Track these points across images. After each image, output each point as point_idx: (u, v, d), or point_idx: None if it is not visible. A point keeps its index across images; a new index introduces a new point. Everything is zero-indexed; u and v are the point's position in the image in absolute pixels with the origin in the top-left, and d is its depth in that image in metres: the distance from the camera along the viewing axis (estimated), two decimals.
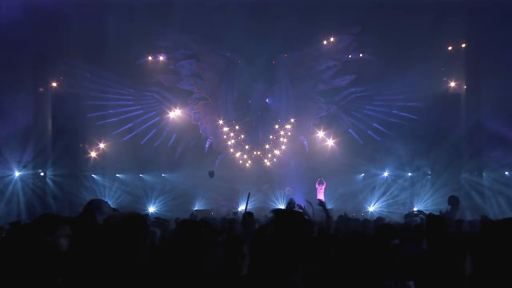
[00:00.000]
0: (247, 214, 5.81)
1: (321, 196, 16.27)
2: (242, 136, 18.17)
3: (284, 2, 15.10)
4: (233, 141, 18.17)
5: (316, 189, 16.74)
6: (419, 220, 7.88)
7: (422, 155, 16.61)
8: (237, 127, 18.12)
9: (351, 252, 3.83)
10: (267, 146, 18.14)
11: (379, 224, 8.48)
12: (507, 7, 13.87)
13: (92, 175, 16.58)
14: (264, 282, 1.81)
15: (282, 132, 18.16)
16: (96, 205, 3.51)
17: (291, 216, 1.93)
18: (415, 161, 16.86)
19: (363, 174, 17.50)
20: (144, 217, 2.29)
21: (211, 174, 16.17)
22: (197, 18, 15.79)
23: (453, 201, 7.71)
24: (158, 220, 9.49)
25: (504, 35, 14.38)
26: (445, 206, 12.02)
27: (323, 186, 16.74)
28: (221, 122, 17.99)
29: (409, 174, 16.93)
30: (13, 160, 15.14)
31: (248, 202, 8.83)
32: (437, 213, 7.21)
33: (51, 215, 2.77)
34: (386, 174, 17.15)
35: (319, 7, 15.24)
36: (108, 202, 3.88)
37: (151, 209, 15.51)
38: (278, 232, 1.82)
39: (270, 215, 2.15)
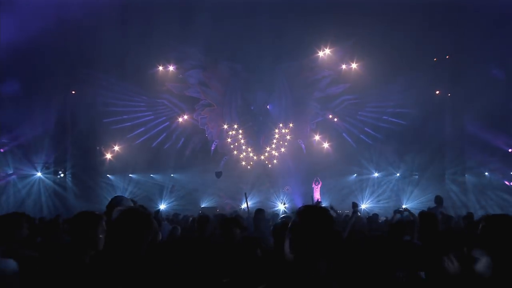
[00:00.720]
0: (258, 210, 5.83)
1: (317, 194, 16.56)
2: (245, 139, 18.56)
3: (284, 18, 15.49)
4: (236, 144, 18.53)
5: (312, 188, 16.96)
6: (404, 216, 8.02)
7: (410, 157, 17.00)
8: (240, 131, 18.49)
9: (365, 245, 4.00)
10: (268, 149, 18.50)
11: (375, 219, 8.76)
12: (487, 23, 14.51)
13: (108, 175, 17.17)
14: (293, 274, 1.78)
15: (281, 136, 18.52)
16: (117, 201, 3.58)
17: (318, 210, 1.91)
18: (403, 162, 17.28)
19: (355, 175, 17.89)
20: (144, 213, 2.35)
21: (218, 174, 16.76)
22: (204, 32, 15.95)
23: (437, 200, 8.52)
24: (176, 216, 10.47)
25: (484, 48, 14.87)
26: (430, 204, 13.06)
27: (319, 185, 16.94)
28: (225, 126, 18.36)
29: (397, 174, 17.46)
30: (36, 162, 15.82)
31: (248, 200, 9.77)
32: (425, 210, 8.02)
33: (90, 212, 2.71)
34: (376, 174, 17.63)
35: (315, 22, 15.57)
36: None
37: (162, 206, 15.92)
38: (305, 225, 1.80)
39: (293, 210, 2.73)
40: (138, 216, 2.26)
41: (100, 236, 2.58)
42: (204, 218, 5.00)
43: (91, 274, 2.20)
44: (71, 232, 2.67)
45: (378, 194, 17.17)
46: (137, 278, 2.10)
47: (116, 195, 3.90)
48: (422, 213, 4.45)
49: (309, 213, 1.92)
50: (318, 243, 1.82)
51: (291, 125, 18.47)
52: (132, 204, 3.44)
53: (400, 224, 4.35)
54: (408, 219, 6.86)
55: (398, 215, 8.34)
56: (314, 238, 1.82)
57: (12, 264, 2.84)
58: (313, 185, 17.05)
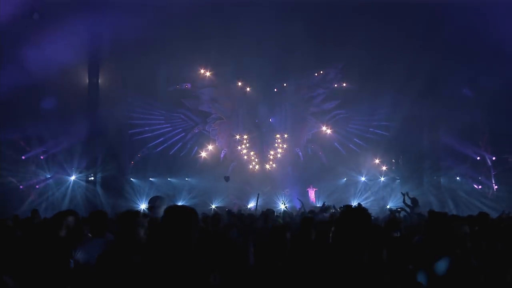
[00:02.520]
0: (268, 210, 5.88)
1: (312, 196, 17.33)
2: (250, 148, 19.19)
3: (285, 45, 16.20)
4: (243, 152, 19.17)
5: (307, 192, 17.61)
6: (402, 215, 8.49)
7: (392, 163, 17.95)
8: (246, 140, 19.17)
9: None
10: (270, 156, 19.09)
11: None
12: (462, 48, 15.07)
13: (131, 178, 17.77)
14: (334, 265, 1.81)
15: (281, 145, 19.17)
16: (156, 200, 3.76)
17: (358, 210, 1.99)
18: (387, 168, 18.13)
19: (345, 179, 18.38)
20: (192, 210, 2.28)
21: (227, 178, 17.01)
22: (214, 57, 17.07)
23: (413, 201, 9.34)
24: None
25: (457, 70, 15.73)
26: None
27: (314, 190, 17.63)
28: (234, 137, 19.13)
29: (382, 179, 18.15)
30: (70, 167, 16.45)
31: (258, 201, 10.49)
32: (405, 210, 8.61)
33: (131, 212, 2.69)
34: (363, 178, 18.16)
35: (312, 48, 16.14)
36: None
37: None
38: (344, 223, 1.86)
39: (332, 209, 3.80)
40: (186, 212, 2.24)
41: (143, 232, 2.68)
42: (217, 215, 5.45)
43: (145, 269, 2.08)
44: (118, 229, 2.77)
45: (366, 197, 17.43)
46: (194, 269, 2.05)
47: (156, 195, 4.15)
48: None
49: (351, 211, 2.09)
50: (360, 236, 1.90)
51: (286, 135, 19.14)
52: (168, 203, 3.44)
53: (393, 221, 4.52)
54: (399, 218, 7.44)
55: (402, 213, 8.99)
56: (357, 232, 1.91)
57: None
58: (308, 190, 17.59)
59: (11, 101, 14.00)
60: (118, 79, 16.78)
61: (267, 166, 19.15)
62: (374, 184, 18.02)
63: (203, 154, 18.91)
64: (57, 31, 14.41)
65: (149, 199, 4.14)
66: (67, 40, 14.63)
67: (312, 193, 17.65)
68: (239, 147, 19.20)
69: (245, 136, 19.19)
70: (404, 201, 9.50)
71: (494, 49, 14.35)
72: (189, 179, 18.27)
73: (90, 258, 3.06)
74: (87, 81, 17.24)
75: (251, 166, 19.21)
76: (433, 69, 16.88)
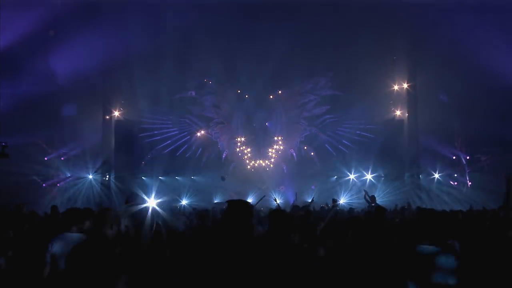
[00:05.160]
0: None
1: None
2: (249, 149, 19.68)
3: (281, 54, 16.31)
4: (242, 153, 19.70)
5: (302, 187, 17.74)
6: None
7: (378, 162, 18.12)
8: (245, 143, 19.71)
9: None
10: (267, 156, 19.61)
11: (352, 212, 9.73)
12: (442, 56, 15.60)
13: (143, 177, 18.58)
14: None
15: (277, 146, 19.70)
16: (132, 197, 4.11)
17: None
18: (373, 167, 18.31)
19: (335, 177, 18.92)
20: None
21: (223, 178, 17.66)
22: (216, 67, 17.76)
23: (372, 198, 9.89)
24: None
25: (436, 78, 16.29)
26: (394, 199, 15.01)
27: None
28: (234, 139, 19.64)
29: (369, 176, 18.46)
30: (87, 167, 17.21)
31: (252, 197, 11.04)
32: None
33: (103, 209, 2.86)
34: (352, 176, 18.57)
35: (305, 57, 17.02)
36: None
37: (183, 202, 15.66)
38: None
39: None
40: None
41: (113, 227, 2.88)
42: (204, 212, 5.74)
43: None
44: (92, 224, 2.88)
45: (354, 192, 17.08)
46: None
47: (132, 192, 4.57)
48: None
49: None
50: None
51: (281, 138, 19.65)
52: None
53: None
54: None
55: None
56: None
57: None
58: (312, 187, 18.11)
59: (36, 107, 14.84)
60: (132, 88, 17.39)
61: (264, 166, 19.51)
62: (361, 181, 18.28)
63: (206, 155, 19.51)
64: (75, 43, 15.09)
65: (127, 196, 4.61)
66: (84, 52, 15.21)
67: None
68: (237, 149, 19.55)
69: (243, 139, 19.57)
70: (364, 197, 10.43)
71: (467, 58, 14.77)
72: (194, 178, 18.91)
73: (65, 252, 2.86)
74: (102, 89, 18.26)
75: (249, 167, 19.55)
76: (413, 76, 17.84)
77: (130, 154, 18.11)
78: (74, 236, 3.49)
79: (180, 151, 19.31)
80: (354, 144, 19.03)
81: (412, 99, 18.00)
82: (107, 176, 17.95)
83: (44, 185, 16.46)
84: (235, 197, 17.52)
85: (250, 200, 15.89)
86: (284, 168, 19.44)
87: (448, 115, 16.70)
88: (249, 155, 19.73)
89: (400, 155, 17.91)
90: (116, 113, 18.59)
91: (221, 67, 17.65)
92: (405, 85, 18.07)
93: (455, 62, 15.31)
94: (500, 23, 14.30)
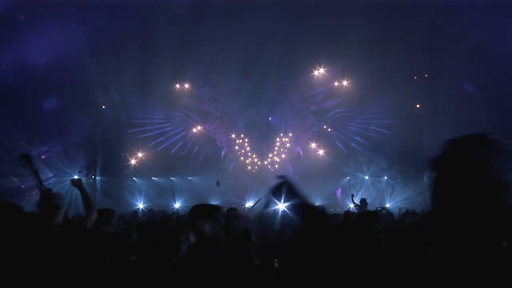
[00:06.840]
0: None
1: (339, 195, 17.65)
2: (250, 147, 19.21)
3: (285, 42, 15.81)
4: (242, 151, 19.20)
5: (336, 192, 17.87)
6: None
7: (394, 162, 17.39)
8: (246, 139, 19.20)
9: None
10: (270, 155, 19.07)
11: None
12: (463, 45, 14.48)
13: (134, 178, 17.97)
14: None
15: (282, 144, 19.16)
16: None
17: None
18: (389, 166, 17.79)
19: (348, 177, 18.32)
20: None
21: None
22: (215, 55, 16.85)
23: (362, 201, 9.53)
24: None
25: (459, 68, 15.06)
26: (412, 201, 14.18)
27: (339, 190, 17.96)
28: (233, 136, 19.13)
29: (385, 177, 18.04)
30: (71, 167, 16.15)
31: (254, 198, 10.54)
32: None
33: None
34: (366, 177, 18.10)
35: (312, 45, 16.13)
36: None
37: (176, 205, 16.20)
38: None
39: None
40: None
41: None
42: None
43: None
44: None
45: (370, 194, 17.02)
46: None
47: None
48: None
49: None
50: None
51: (290, 134, 19.13)
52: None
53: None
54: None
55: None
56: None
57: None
58: (336, 191, 17.99)
59: (12, 100, 14.03)
60: (119, 78, 16.52)
61: (267, 165, 19.18)
62: (377, 181, 17.96)
63: (204, 153, 18.97)
64: (57, 30, 14.29)
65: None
66: (67, 39, 14.53)
67: (338, 193, 17.94)
68: (237, 147, 19.25)
69: (242, 135, 19.22)
70: (352, 201, 9.95)
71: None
72: (190, 178, 18.43)
73: None
74: (87, 80, 16.69)
75: (249, 167, 19.26)
76: (435, 66, 16.77)
77: (118, 153, 17.61)
78: None
79: (175, 148, 18.67)
80: (368, 141, 18.25)
81: (433, 91, 17.00)
82: (92, 176, 17.36)
83: (22, 186, 15.13)
84: (234, 200, 16.49)
85: (249, 204, 15.25)
86: (290, 167, 18.66)
87: (472, 108, 15.08)
88: (250, 153, 19.32)
89: (420, 154, 16.37)
90: (103, 107, 17.59)
91: (220, 56, 16.81)
92: (426, 75, 17.42)
93: (482, 50, 14.37)
94: None
